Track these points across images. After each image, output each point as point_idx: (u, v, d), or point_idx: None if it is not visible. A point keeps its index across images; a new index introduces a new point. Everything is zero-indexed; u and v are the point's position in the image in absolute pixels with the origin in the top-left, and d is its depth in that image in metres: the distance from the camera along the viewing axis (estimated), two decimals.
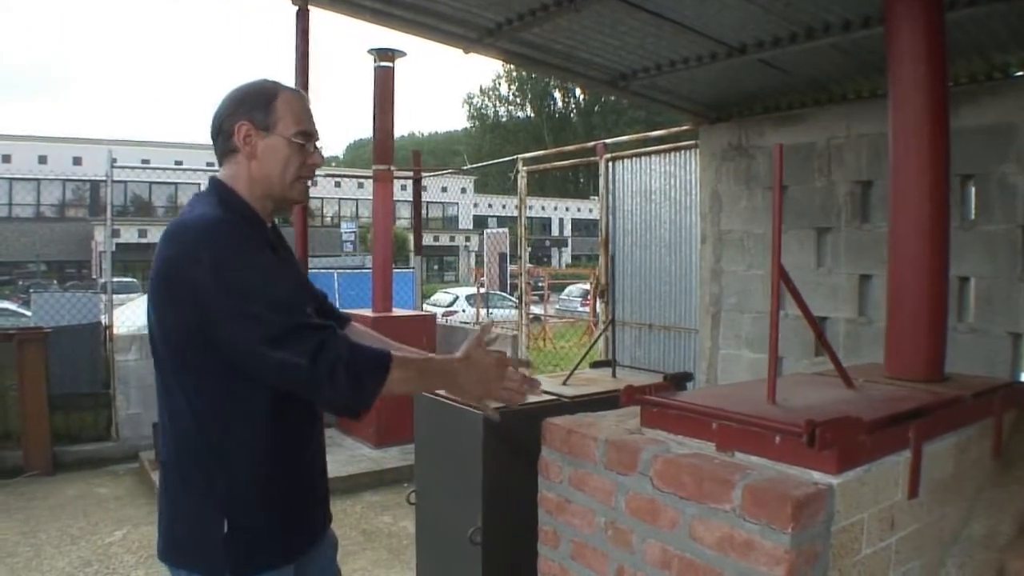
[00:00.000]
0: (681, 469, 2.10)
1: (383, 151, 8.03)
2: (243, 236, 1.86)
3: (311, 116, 2.05)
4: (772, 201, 2.49)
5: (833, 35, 4.13)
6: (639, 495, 2.22)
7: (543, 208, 51.83)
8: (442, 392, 4.12)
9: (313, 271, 14.52)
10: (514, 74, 59.85)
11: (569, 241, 50.72)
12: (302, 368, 1.74)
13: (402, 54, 7.97)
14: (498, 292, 22.06)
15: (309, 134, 2.01)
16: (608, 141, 7.53)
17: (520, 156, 8.44)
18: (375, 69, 7.88)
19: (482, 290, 21.18)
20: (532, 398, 4.00)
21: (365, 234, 36.50)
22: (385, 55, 7.85)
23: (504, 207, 52.18)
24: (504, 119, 60.56)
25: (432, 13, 4.31)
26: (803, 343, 5.38)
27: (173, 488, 1.98)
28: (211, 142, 2.02)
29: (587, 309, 22.01)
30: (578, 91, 59.37)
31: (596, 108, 58.66)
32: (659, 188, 6.90)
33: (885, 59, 4.34)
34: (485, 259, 16.24)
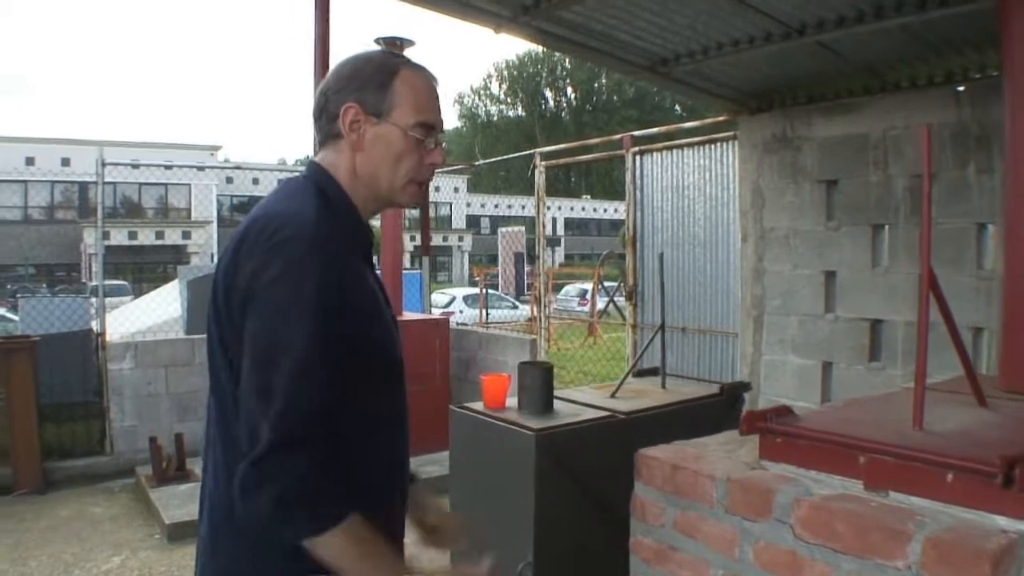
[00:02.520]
0: (834, 516, 1.72)
1: None
2: (337, 256, 1.47)
3: (437, 104, 1.65)
4: (921, 195, 2.10)
5: (905, 15, 3.78)
6: (774, 546, 1.83)
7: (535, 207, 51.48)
8: (481, 407, 3.79)
9: None
10: (505, 73, 59.60)
11: (562, 240, 50.35)
12: (258, 442, 1.34)
13: (411, 43, 7.54)
14: (496, 292, 21.79)
15: (431, 126, 1.61)
16: (636, 133, 7.14)
17: (538, 151, 8.00)
18: None
19: (489, 290, 20.87)
20: (584, 415, 3.66)
21: None
22: (394, 44, 7.42)
23: (497, 207, 51.87)
24: (495, 118, 60.19)
25: None
26: (856, 348, 5.03)
27: (231, 552, 1.52)
28: (313, 121, 1.64)
29: (585, 309, 21.70)
30: (570, 90, 59.25)
31: (588, 107, 58.44)
32: (692, 183, 6.51)
33: (950, 43, 4.10)
34: (500, 259, 15.85)
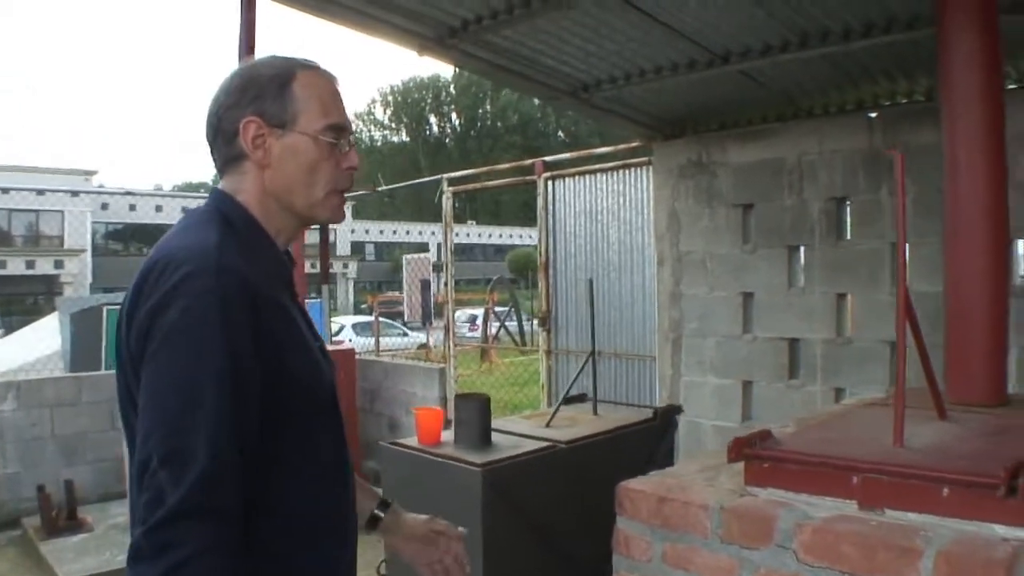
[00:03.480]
0: (839, 538, 1.71)
1: None
2: (244, 289, 1.29)
3: (342, 103, 1.50)
4: (896, 216, 2.12)
5: (829, 44, 3.92)
6: (776, 573, 1.81)
7: (420, 233, 51.38)
8: (415, 443, 3.67)
9: None
10: (390, 99, 59.33)
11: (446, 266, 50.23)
12: (160, 507, 1.15)
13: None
14: (386, 320, 21.54)
15: (341, 128, 1.46)
16: (548, 159, 7.16)
17: (445, 176, 7.94)
18: None
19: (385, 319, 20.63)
20: (524, 446, 3.60)
21: None
22: None
23: (381, 232, 51.44)
24: (379, 143, 59.75)
25: (391, 5, 3.81)
26: (775, 366, 5.15)
27: None
28: (208, 146, 1.47)
29: (476, 335, 21.64)
30: (454, 116, 59.38)
31: (472, 133, 58.69)
32: (606, 208, 6.57)
33: (865, 72, 4.27)
34: (405, 286, 15.65)
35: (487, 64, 4.44)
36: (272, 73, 1.42)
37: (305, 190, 1.44)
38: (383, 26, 4.00)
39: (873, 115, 4.63)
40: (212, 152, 1.46)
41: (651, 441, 4.11)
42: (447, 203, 8.09)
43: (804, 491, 1.93)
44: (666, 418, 4.22)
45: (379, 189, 10.17)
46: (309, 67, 1.47)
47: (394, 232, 51.64)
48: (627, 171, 6.37)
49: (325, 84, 1.47)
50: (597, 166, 6.66)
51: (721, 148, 5.34)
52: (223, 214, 1.40)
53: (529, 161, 7.27)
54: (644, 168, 6.15)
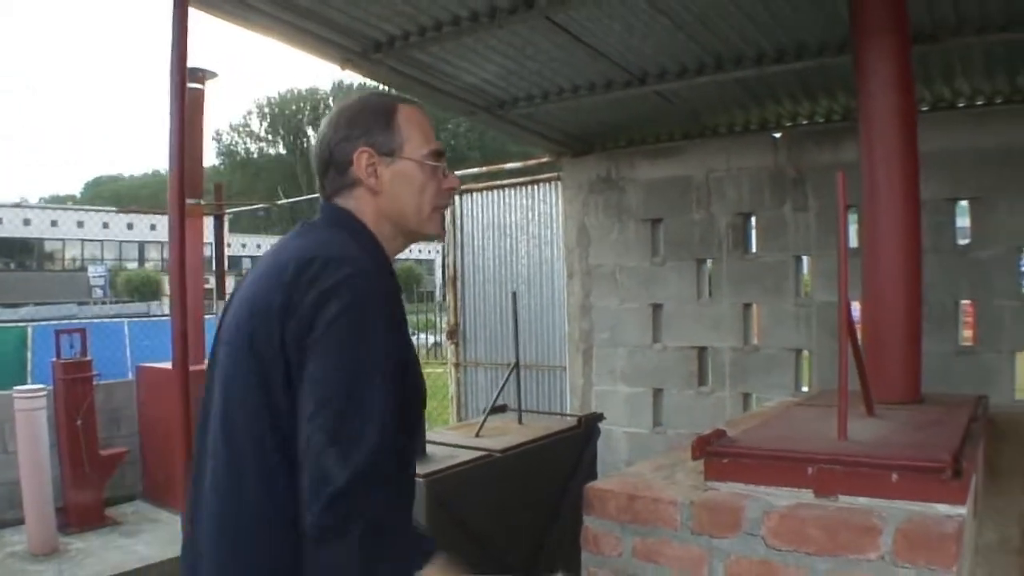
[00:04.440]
0: (805, 523, 1.86)
1: (193, 183, 7.24)
2: (393, 297, 1.46)
3: (433, 129, 1.66)
4: (838, 232, 2.32)
5: (744, 68, 4.16)
6: (746, 559, 1.94)
7: None
8: None
9: (74, 321, 13.11)
10: (267, 110, 58.03)
11: None
12: (330, 483, 1.26)
13: (213, 75, 7.26)
14: None
15: (441, 153, 1.62)
16: (459, 173, 7.20)
17: None
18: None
19: None
20: (460, 456, 3.66)
21: (114, 278, 33.65)
22: (196, 76, 7.10)
23: (259, 247, 50.21)
24: (256, 156, 58.34)
25: (319, 18, 3.82)
26: (685, 374, 5.39)
27: None
28: (318, 177, 1.61)
29: None
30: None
31: None
32: (515, 222, 6.69)
33: (772, 94, 4.55)
34: None
35: (410, 79, 4.49)
36: (376, 108, 1.58)
37: (415, 209, 1.59)
38: (308, 38, 3.99)
39: (778, 135, 4.93)
40: (322, 182, 1.61)
41: (577, 448, 4.23)
42: None
43: (763, 483, 2.08)
44: (590, 425, 4.35)
45: (278, 203, 10.01)
46: (406, 101, 1.63)
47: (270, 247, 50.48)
48: (536, 186, 6.51)
49: (421, 116, 1.63)
50: (507, 181, 6.78)
51: (630, 164, 5.55)
52: (350, 229, 1.54)
53: None
54: (553, 183, 6.30)
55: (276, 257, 1.49)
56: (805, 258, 4.94)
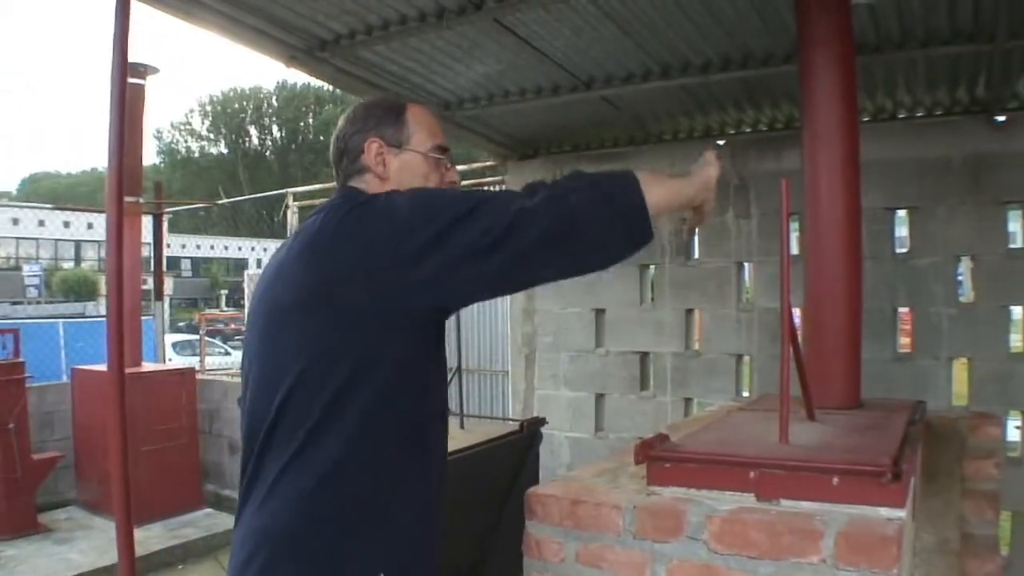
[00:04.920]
0: (747, 527, 1.85)
1: (132, 181, 7.07)
2: None
3: (441, 127, 1.84)
4: (780, 239, 2.34)
5: (689, 75, 4.20)
6: (688, 563, 1.93)
7: (239, 249, 49.68)
8: None
9: (7, 321, 12.73)
10: (208, 109, 57.06)
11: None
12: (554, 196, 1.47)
13: (155, 71, 7.10)
14: (209, 338, 20.82)
15: (445, 148, 1.80)
16: None
17: (291, 190, 7.81)
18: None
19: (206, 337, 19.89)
20: None
21: (50, 277, 32.80)
22: (137, 71, 6.93)
23: (199, 247, 49.40)
24: (197, 155, 57.34)
25: (263, 13, 3.73)
26: (627, 378, 5.41)
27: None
28: (333, 165, 1.80)
29: None
30: (275, 129, 57.79)
31: (293, 147, 57.27)
32: None
33: (717, 101, 4.59)
34: (247, 304, 15.09)
35: (355, 78, 4.43)
36: (389, 105, 1.78)
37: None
38: (253, 34, 3.90)
39: (721, 142, 4.98)
40: (336, 170, 1.78)
41: (519, 453, 4.21)
42: (293, 217, 7.96)
43: (705, 487, 2.08)
44: (532, 430, 4.33)
45: (217, 203, 9.84)
46: (418, 102, 1.85)
47: (211, 247, 49.70)
48: (481, 189, 6.49)
49: (429, 115, 1.80)
50: None
51: (575, 169, 5.54)
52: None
53: None
54: (497, 187, 6.29)
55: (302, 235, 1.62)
56: (747, 264, 5.01)
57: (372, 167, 1.70)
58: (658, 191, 1.57)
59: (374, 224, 1.47)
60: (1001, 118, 4.36)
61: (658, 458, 2.18)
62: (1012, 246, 4.41)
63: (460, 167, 6.69)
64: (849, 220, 2.92)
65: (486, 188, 6.42)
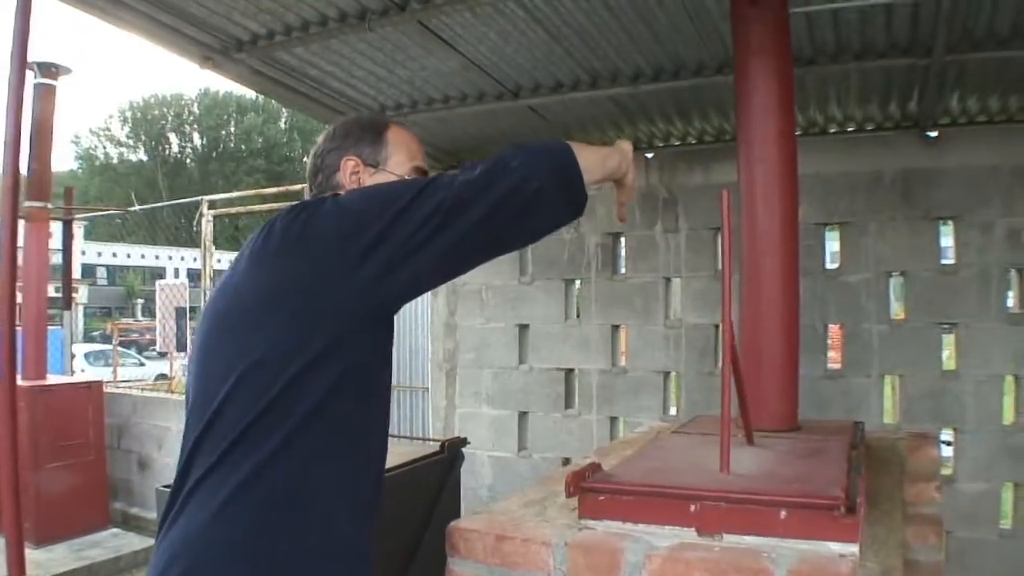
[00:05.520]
0: (690, 566, 1.70)
1: (41, 186, 6.67)
2: None
3: (423, 152, 1.80)
4: (721, 250, 2.20)
5: (618, 86, 4.11)
6: None
7: (156, 257, 48.42)
8: None
9: None
10: (128, 115, 55.47)
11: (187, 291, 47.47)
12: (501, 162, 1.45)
13: (67, 71, 6.71)
14: (121, 349, 20.26)
15: (424, 171, 1.75)
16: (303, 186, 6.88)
17: (205, 198, 7.49)
18: (34, 86, 6.51)
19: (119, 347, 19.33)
20: None
21: None
22: (49, 71, 6.54)
23: (115, 255, 47.96)
24: (116, 161, 55.61)
25: (177, 11, 3.50)
26: (551, 396, 5.28)
27: None
28: (308, 180, 1.77)
29: None
30: (196, 136, 56.56)
31: (214, 155, 56.07)
32: None
33: (645, 112, 4.50)
34: (158, 314, 14.54)
35: (273, 82, 4.21)
36: (370, 124, 1.74)
37: None
38: (167, 33, 3.67)
39: (650, 155, 4.89)
40: (311, 186, 1.74)
41: (440, 475, 4.02)
42: (208, 227, 7.63)
43: (642, 521, 1.92)
44: (453, 451, 4.15)
45: (132, 209, 9.38)
46: (399, 123, 1.80)
47: (128, 255, 48.23)
48: None
49: (410, 137, 1.77)
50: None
51: None
52: None
53: (299, 186, 6.99)
54: None
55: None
56: (675, 280, 4.93)
57: (346, 185, 1.66)
58: (588, 156, 1.56)
59: (322, 224, 1.42)
60: (933, 134, 4.37)
61: (591, 490, 2.01)
62: (944, 262, 4.41)
63: None
64: (786, 235, 2.83)
65: None
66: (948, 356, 4.46)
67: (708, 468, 2.07)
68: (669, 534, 1.85)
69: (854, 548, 1.68)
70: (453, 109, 4.59)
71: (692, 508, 1.86)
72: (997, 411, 4.30)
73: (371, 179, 1.66)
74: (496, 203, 1.42)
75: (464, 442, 4.34)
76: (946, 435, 4.40)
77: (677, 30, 3.50)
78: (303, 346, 1.39)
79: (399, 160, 1.70)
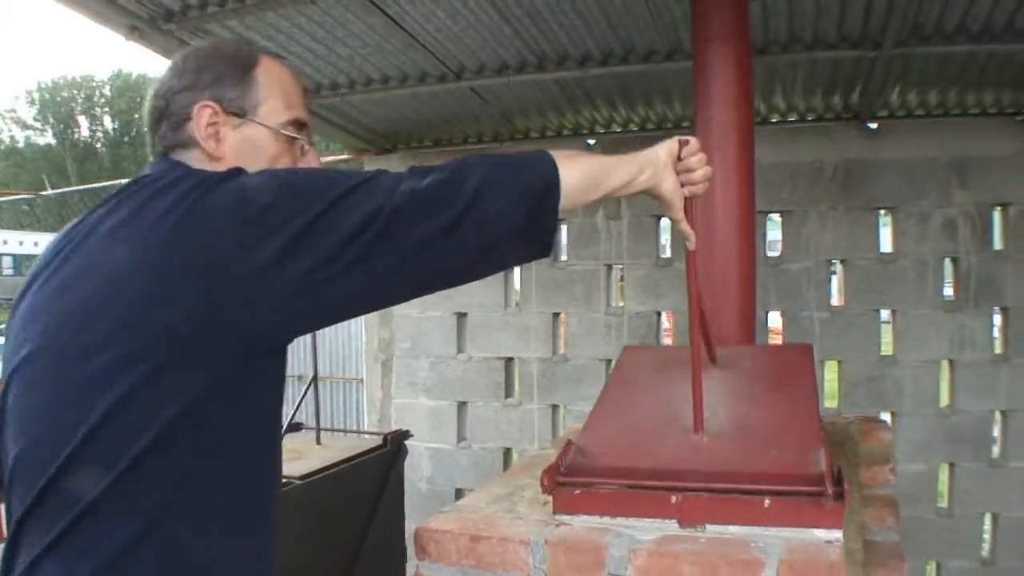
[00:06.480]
0: (678, 559, 1.64)
1: None
2: None
3: (304, 99, 1.38)
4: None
5: (566, 69, 4.04)
6: None
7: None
8: None
9: None
10: (35, 96, 53.15)
11: None
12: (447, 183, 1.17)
13: None
14: None
15: (304, 125, 1.35)
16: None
17: (121, 182, 7.17)
18: None
19: None
20: None
21: None
22: None
23: (21, 244, 46.18)
24: (22, 145, 53.26)
25: None
26: (491, 385, 5.23)
27: None
28: (149, 132, 1.34)
29: None
30: (107, 120, 54.59)
31: (127, 139, 54.19)
32: None
33: (590, 98, 4.45)
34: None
35: None
36: (233, 57, 1.30)
37: None
38: (93, 3, 3.45)
39: (592, 142, 4.85)
40: (152, 138, 1.32)
41: (383, 469, 3.92)
42: None
43: (620, 515, 1.86)
44: (396, 444, 4.05)
45: (43, 193, 8.94)
46: (273, 55, 1.35)
47: (36, 244, 46.40)
48: None
49: (289, 75, 1.35)
50: None
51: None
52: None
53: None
54: None
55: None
56: (616, 267, 4.91)
57: (201, 141, 1.24)
58: (583, 170, 1.26)
59: (214, 218, 1.05)
60: (873, 125, 4.46)
61: (568, 484, 1.93)
62: (883, 251, 4.51)
63: None
64: (744, 222, 2.81)
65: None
66: (887, 342, 4.56)
67: (680, 427, 1.98)
68: (650, 527, 1.79)
69: (839, 534, 1.65)
70: (392, 90, 4.43)
71: (673, 500, 1.80)
72: (933, 394, 4.44)
73: (235, 134, 1.26)
74: (440, 230, 1.11)
75: (407, 434, 4.24)
76: (884, 418, 4.51)
77: (630, 13, 3.44)
78: (176, 387, 1.03)
79: (274, 107, 1.29)
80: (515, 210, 1.16)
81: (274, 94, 1.29)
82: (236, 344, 1.05)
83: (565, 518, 1.89)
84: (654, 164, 1.39)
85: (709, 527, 1.75)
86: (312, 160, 1.35)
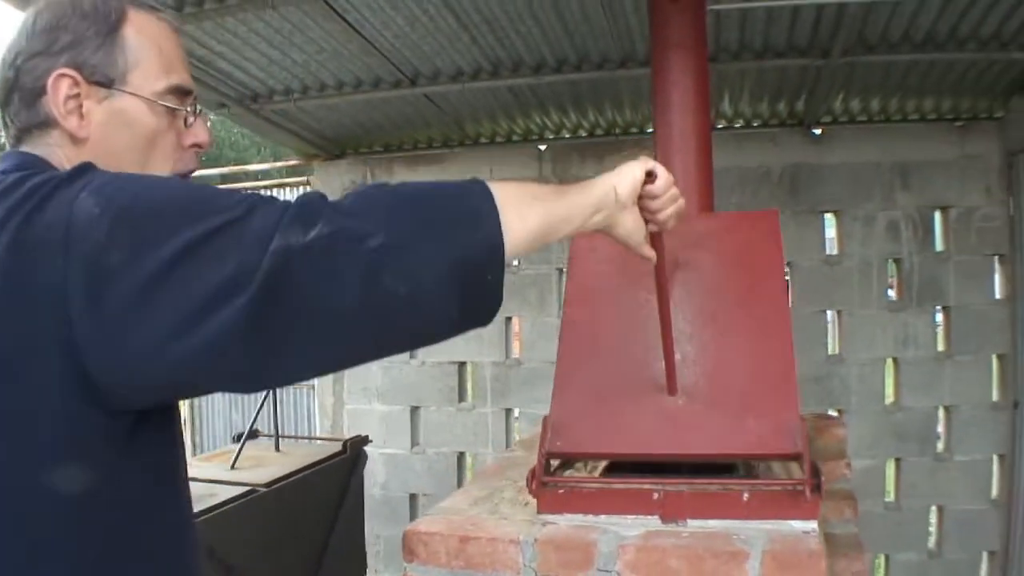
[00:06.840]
0: (666, 554, 1.71)
1: None
2: None
3: (185, 59, 1.12)
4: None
5: (521, 76, 4.10)
6: None
7: None
8: None
9: None
10: None
11: None
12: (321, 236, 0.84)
13: None
14: None
15: (187, 91, 1.10)
16: (203, 172, 6.54)
17: None
18: None
19: None
20: (220, 493, 3.19)
21: None
22: None
23: None
24: None
25: None
26: (444, 390, 5.24)
27: None
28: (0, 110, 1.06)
29: None
30: None
31: None
32: None
33: (541, 104, 4.51)
34: None
35: None
36: (93, 12, 1.02)
37: (138, 172, 1.03)
38: None
39: (543, 147, 4.91)
40: (3, 117, 1.05)
41: (343, 475, 3.91)
42: None
43: (604, 512, 1.91)
44: (356, 450, 4.04)
45: None
46: (142, 7, 1.07)
47: None
48: (284, 190, 6.05)
49: (166, 31, 1.08)
50: (251, 184, 6.25)
51: (388, 171, 5.30)
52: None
53: None
54: (304, 188, 5.89)
55: None
56: (566, 271, 4.97)
57: (60, 119, 1.00)
58: (527, 225, 1.02)
59: (42, 262, 0.82)
60: (818, 131, 4.60)
61: (551, 484, 1.98)
62: (829, 253, 4.66)
63: (262, 166, 6.34)
64: None
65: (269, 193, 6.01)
66: (833, 341, 4.70)
67: (654, 385, 1.97)
68: (633, 523, 1.85)
69: (815, 524, 1.74)
70: (346, 95, 4.43)
71: (655, 496, 1.86)
72: (879, 392, 4.58)
73: (102, 107, 1.02)
74: (327, 313, 0.85)
75: (367, 440, 4.24)
76: (832, 415, 4.65)
77: (587, 21, 3.50)
78: (28, 469, 0.85)
79: (148, 73, 1.04)
80: (441, 288, 0.91)
81: (148, 56, 1.04)
82: (65, 423, 0.86)
83: (550, 517, 1.94)
84: (609, 206, 1.18)
85: (691, 521, 1.82)
86: (199, 133, 1.12)
